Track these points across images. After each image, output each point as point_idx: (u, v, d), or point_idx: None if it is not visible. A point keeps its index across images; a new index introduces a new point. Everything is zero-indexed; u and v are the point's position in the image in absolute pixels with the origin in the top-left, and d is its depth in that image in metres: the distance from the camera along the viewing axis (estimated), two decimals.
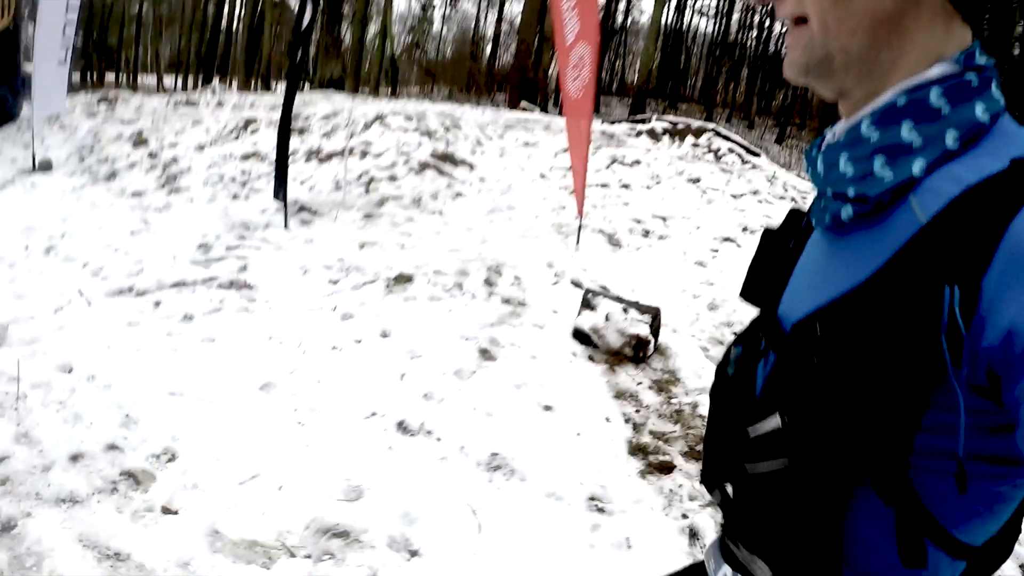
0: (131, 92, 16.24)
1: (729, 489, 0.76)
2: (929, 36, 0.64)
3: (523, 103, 16.51)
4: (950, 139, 0.62)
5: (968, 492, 0.60)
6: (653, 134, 11.79)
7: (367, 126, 8.51)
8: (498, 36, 35.26)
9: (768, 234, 0.84)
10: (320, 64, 17.58)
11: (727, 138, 11.66)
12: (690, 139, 11.50)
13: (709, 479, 0.83)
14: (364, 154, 7.82)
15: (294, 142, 8.66)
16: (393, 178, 7.24)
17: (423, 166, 7.53)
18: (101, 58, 23.68)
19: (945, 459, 0.60)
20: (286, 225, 6.03)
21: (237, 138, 9.12)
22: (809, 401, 0.63)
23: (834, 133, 0.72)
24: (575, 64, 5.66)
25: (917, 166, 0.63)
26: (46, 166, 8.71)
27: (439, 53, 35.56)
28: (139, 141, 9.37)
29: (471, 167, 8.16)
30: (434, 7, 26.55)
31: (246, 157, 8.42)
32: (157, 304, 4.41)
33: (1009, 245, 0.54)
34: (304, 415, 3.30)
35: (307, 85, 18.24)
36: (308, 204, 6.59)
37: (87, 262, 5.28)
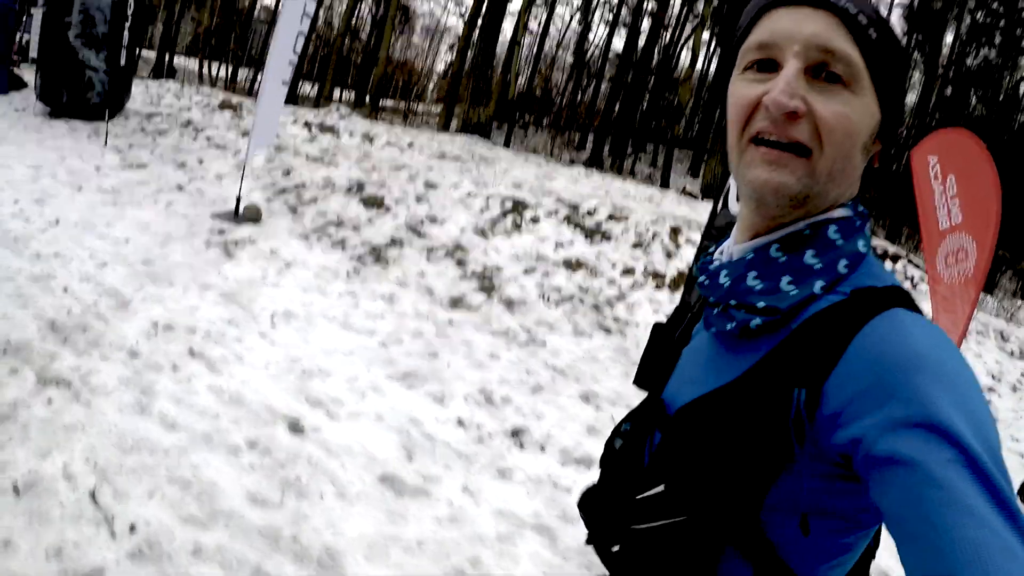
0: (232, 94, 13.23)
1: (615, 549, 0.83)
2: (851, 189, 0.77)
3: (686, 187, 14.72)
4: (841, 265, 0.72)
5: (815, 542, 0.71)
6: None
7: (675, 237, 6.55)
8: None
9: (657, 327, 0.92)
10: (466, 109, 15.24)
11: (919, 267, 10.68)
12: (888, 265, 10.46)
13: (597, 540, 0.87)
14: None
15: (605, 249, 6.51)
16: None
17: None
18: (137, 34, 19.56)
19: (792, 515, 0.70)
20: None
21: (518, 228, 6.85)
22: (685, 473, 0.72)
23: (728, 252, 0.81)
24: (951, 251, 5.71)
25: (817, 284, 0.72)
26: (253, 216, 6.19)
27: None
28: (371, 201, 6.95)
29: None
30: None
31: (571, 266, 6.18)
32: None
33: (851, 360, 0.64)
34: None
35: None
36: None
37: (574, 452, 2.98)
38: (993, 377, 6.75)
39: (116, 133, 8.00)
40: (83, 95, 8.10)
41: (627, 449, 0.82)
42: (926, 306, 7.95)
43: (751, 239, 0.78)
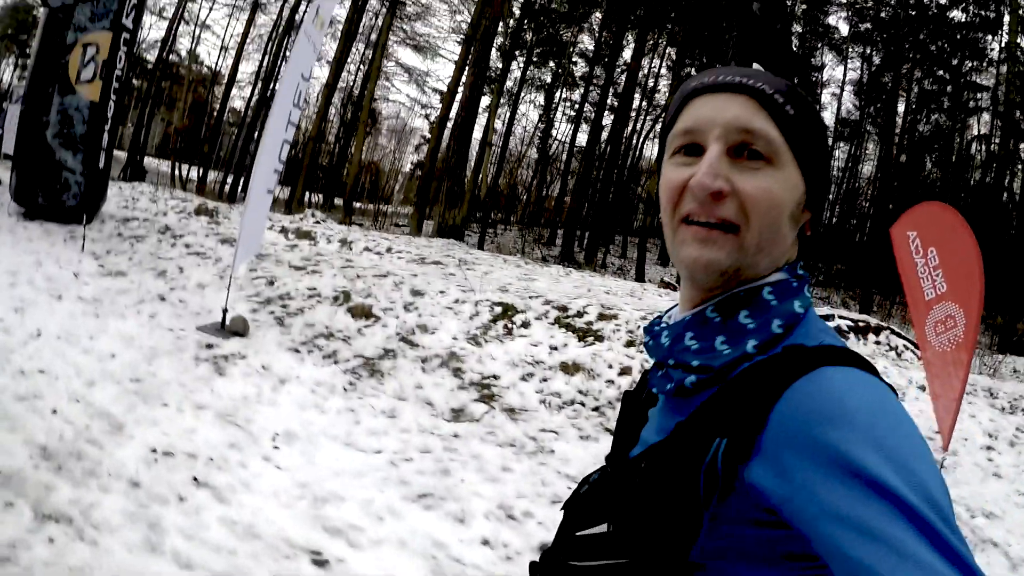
0: (206, 198, 13.09)
1: None
2: (786, 255, 0.80)
3: (664, 278, 14.97)
4: (775, 325, 0.74)
5: None
6: (840, 331, 10.79)
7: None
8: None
9: (627, 394, 0.95)
10: (442, 211, 15.42)
11: (901, 336, 10.96)
12: (872, 337, 10.74)
13: (537, 570, 0.88)
14: None
15: (599, 350, 6.49)
16: None
17: None
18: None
19: (721, 563, 0.70)
20: None
21: (510, 333, 6.83)
22: (627, 515, 0.74)
23: (672, 316, 0.86)
24: (939, 320, 5.82)
25: (750, 344, 0.73)
26: (240, 329, 6.03)
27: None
28: (359, 311, 6.87)
29: None
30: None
31: (568, 369, 6.13)
32: None
33: (779, 417, 0.65)
34: None
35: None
36: None
37: None
38: (990, 435, 6.78)
39: (93, 238, 7.84)
40: (58, 197, 7.96)
41: (589, 494, 0.84)
42: (918, 374, 8.09)
43: (691, 310, 0.82)
